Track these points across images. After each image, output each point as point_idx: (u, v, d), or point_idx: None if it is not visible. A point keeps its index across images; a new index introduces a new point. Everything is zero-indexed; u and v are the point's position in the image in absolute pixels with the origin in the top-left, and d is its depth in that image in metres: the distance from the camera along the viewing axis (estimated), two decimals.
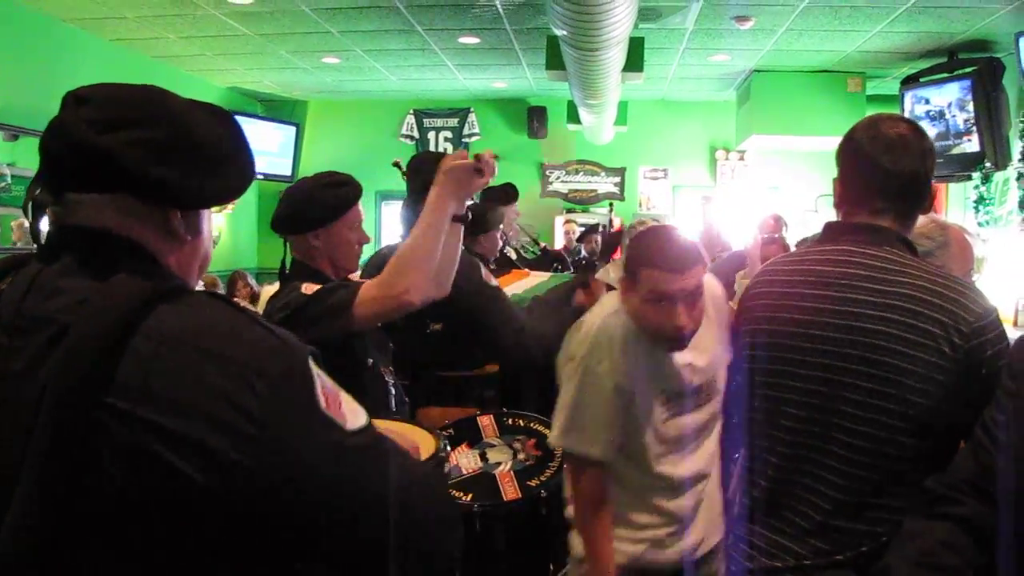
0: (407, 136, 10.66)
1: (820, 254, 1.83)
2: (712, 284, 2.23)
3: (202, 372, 0.94)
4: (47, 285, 1.01)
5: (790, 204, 9.06)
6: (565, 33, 5.51)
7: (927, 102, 7.42)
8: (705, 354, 2.14)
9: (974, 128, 6.95)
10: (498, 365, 3.28)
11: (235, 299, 6.45)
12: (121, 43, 7.59)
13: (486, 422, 2.92)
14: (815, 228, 4.51)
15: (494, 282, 3.09)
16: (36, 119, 6.15)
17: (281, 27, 7.11)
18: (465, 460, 2.74)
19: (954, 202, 8.10)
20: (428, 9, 6.54)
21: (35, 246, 1.11)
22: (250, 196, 9.70)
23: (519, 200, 5.15)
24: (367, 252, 3.02)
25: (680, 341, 2.02)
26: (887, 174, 1.75)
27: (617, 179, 10.58)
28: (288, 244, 2.49)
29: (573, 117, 9.33)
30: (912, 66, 7.73)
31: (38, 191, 1.10)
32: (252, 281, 7.99)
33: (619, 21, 5.21)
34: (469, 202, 2.30)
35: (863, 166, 1.79)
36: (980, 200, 7.02)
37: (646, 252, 2.02)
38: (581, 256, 7.67)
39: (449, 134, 10.69)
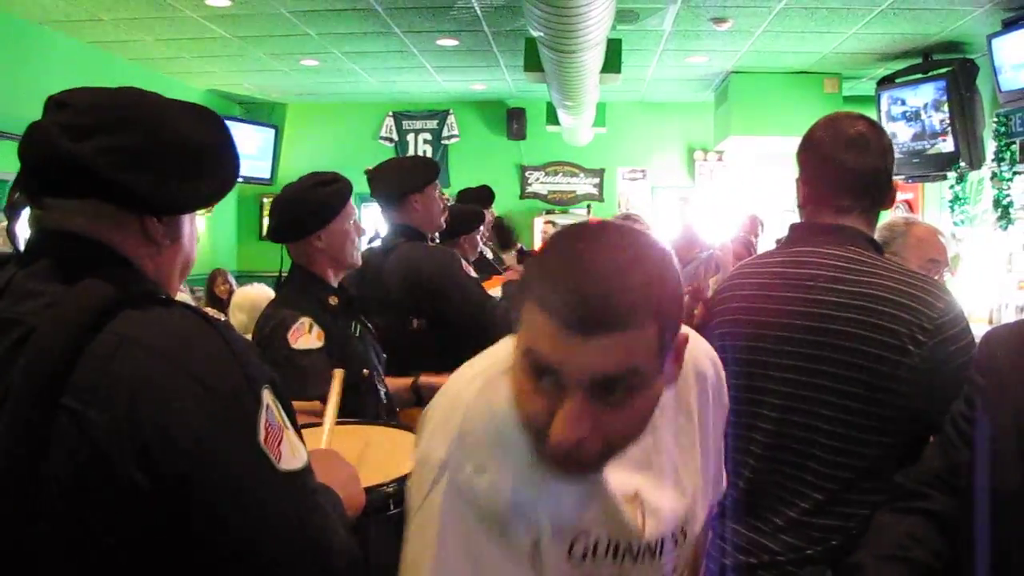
0: (386, 138, 10.63)
1: (787, 256, 1.84)
2: (704, 360, 1.33)
3: (152, 379, 0.96)
4: (20, 288, 1.03)
5: (768, 204, 9.14)
6: (542, 35, 5.52)
7: (903, 103, 7.48)
8: (675, 490, 1.23)
9: (949, 128, 7.02)
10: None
11: (215, 292, 6.47)
12: (98, 45, 7.54)
13: None
14: None
15: (472, 274, 3.11)
16: (12, 122, 6.07)
17: (259, 29, 7.08)
18: None
19: (931, 202, 8.18)
20: (406, 11, 6.52)
21: (13, 249, 1.12)
22: (229, 199, 9.60)
23: (498, 202, 5.17)
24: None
25: (561, 462, 1.00)
26: (850, 172, 1.77)
27: (596, 180, 10.60)
28: (285, 250, 2.50)
29: (552, 119, 9.33)
30: (888, 67, 7.79)
31: (17, 194, 1.11)
32: (231, 279, 8.12)
33: (596, 23, 5.22)
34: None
35: (826, 165, 1.80)
36: (955, 200, 7.10)
37: (548, 276, 0.99)
38: None
39: (428, 136, 10.66)
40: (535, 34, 5.72)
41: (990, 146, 6.72)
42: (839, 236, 1.78)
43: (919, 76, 7.36)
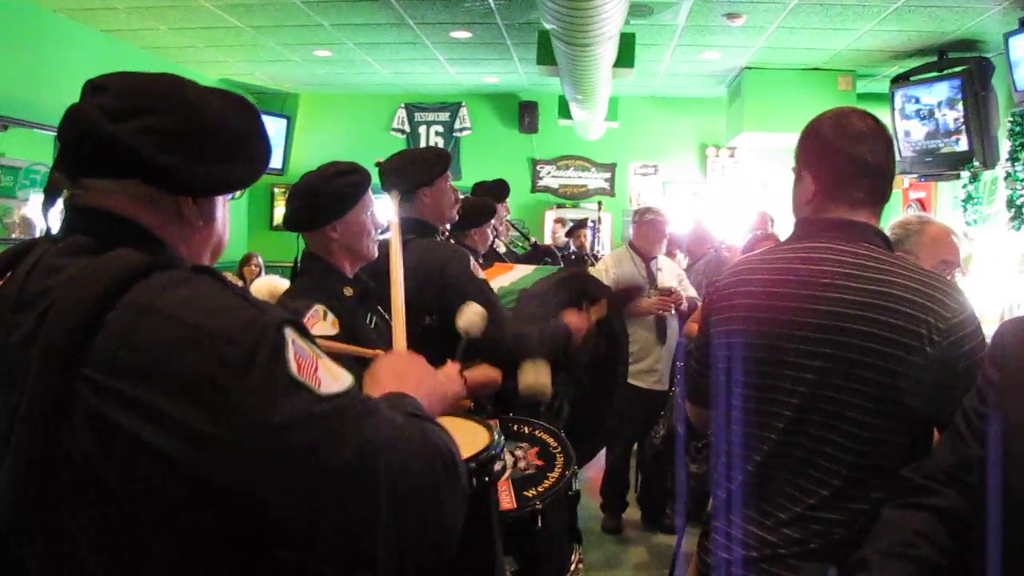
0: (398, 130, 10.64)
1: (796, 252, 1.82)
2: None
3: (172, 343, 0.96)
4: (50, 262, 1.05)
5: (780, 201, 9.10)
6: (556, 28, 5.52)
7: (917, 101, 7.44)
8: None
9: (963, 127, 6.97)
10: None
11: (243, 272, 6.58)
12: (112, 34, 7.56)
13: (491, 426, 2.89)
14: None
15: (481, 275, 3.09)
16: (26, 110, 6.13)
17: (272, 19, 7.10)
18: None
19: (943, 201, 8.14)
20: (420, 3, 6.54)
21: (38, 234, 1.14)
22: None
23: (510, 195, 5.16)
24: None
25: None
26: (866, 165, 1.76)
27: (607, 175, 10.59)
28: (301, 239, 2.49)
29: (564, 112, 9.33)
30: (902, 65, 7.75)
31: (56, 174, 1.14)
32: (260, 261, 8.27)
33: (610, 16, 5.22)
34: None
35: (839, 159, 1.78)
36: (968, 199, 7.06)
37: None
38: (571, 251, 7.69)
39: (440, 128, 10.67)
40: (548, 27, 5.71)
41: (1004, 145, 6.66)
42: (852, 232, 1.76)
43: (934, 74, 7.31)
